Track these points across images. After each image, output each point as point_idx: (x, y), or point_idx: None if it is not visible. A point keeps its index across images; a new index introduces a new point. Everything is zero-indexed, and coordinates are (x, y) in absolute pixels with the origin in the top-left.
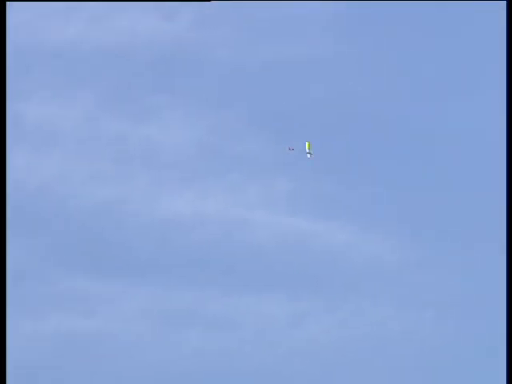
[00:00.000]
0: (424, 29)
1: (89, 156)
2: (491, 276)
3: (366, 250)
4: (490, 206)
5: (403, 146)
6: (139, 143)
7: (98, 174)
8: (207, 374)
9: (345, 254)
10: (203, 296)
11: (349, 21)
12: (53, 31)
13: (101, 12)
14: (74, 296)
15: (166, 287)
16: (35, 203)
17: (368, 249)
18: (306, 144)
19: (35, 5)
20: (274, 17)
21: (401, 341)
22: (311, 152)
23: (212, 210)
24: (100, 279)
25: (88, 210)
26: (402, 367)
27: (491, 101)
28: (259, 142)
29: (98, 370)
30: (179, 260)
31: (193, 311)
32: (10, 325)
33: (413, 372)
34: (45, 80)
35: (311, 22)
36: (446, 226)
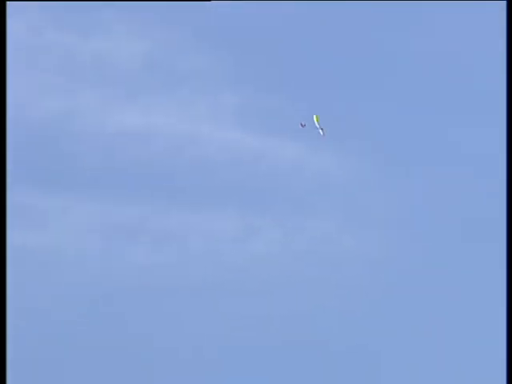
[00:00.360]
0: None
1: (36, 68)
2: (435, 197)
3: (313, 166)
4: (435, 133)
5: (355, 59)
6: (87, 57)
7: (45, 87)
8: (154, 288)
9: (292, 169)
10: (151, 210)
11: None
12: None
13: None
14: (21, 209)
15: (114, 201)
16: None
17: (316, 165)
18: (315, 117)
19: None
20: None
21: (345, 258)
22: (322, 127)
23: (160, 125)
24: (48, 193)
25: (36, 123)
26: (345, 284)
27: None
28: (208, 57)
29: (45, 282)
30: (128, 174)
31: (140, 225)
32: None
33: (355, 289)
34: None
35: None
36: (394, 148)
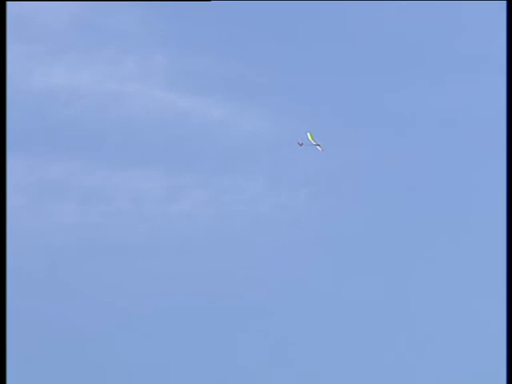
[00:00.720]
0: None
1: None
2: (365, 158)
3: (241, 126)
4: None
5: (282, 13)
6: (12, 15)
7: None
8: (81, 247)
9: (221, 129)
10: (77, 169)
11: None
12: None
13: None
14: None
15: (39, 159)
16: None
17: (243, 124)
18: (309, 135)
19: None
20: None
21: (274, 219)
22: (318, 143)
23: (87, 84)
24: None
25: None
26: (274, 246)
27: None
28: (135, 16)
29: None
30: (54, 133)
31: (67, 184)
32: None
33: (284, 249)
34: None
35: None
36: (323, 108)
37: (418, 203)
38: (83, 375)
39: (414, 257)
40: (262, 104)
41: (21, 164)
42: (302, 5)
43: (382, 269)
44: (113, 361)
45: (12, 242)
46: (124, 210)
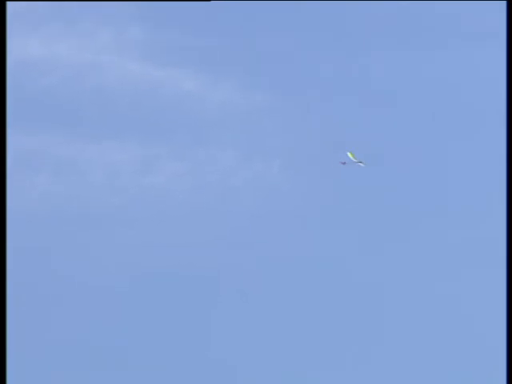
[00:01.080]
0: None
1: None
2: (335, 128)
3: (215, 97)
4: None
5: None
6: None
7: None
8: (54, 218)
9: (194, 101)
10: (52, 140)
11: None
12: None
13: None
14: None
15: (14, 131)
16: None
17: (217, 96)
18: (349, 155)
19: None
20: None
21: (247, 190)
22: (360, 160)
23: (62, 55)
24: None
25: None
26: (247, 216)
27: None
28: None
29: None
30: (27, 103)
31: (41, 155)
32: None
33: (258, 220)
34: None
35: None
36: (295, 80)
37: (392, 172)
38: (54, 343)
39: (388, 224)
40: (235, 76)
41: None
42: None
43: (356, 238)
44: (86, 330)
45: None
46: (98, 181)
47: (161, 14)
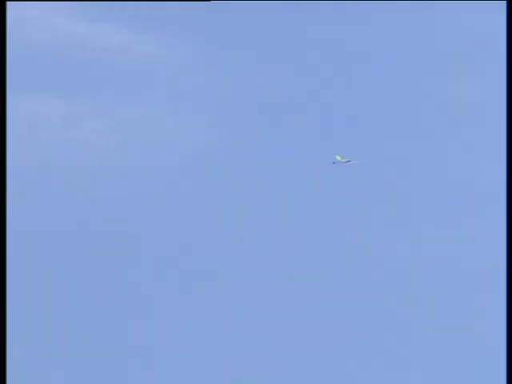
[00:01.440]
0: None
1: None
2: (261, 81)
3: (139, 53)
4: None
5: None
6: None
7: None
8: None
9: (120, 56)
10: None
11: None
12: None
13: None
14: None
15: None
16: None
17: (143, 52)
18: (338, 157)
19: None
20: None
21: (173, 146)
22: (349, 159)
23: None
24: None
25: None
26: (174, 173)
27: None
28: None
29: None
30: None
31: None
32: None
33: (185, 176)
34: None
35: None
36: (220, 34)
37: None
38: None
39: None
40: (161, 31)
41: None
42: None
43: (285, 197)
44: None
45: None
46: (20, 134)
47: None
